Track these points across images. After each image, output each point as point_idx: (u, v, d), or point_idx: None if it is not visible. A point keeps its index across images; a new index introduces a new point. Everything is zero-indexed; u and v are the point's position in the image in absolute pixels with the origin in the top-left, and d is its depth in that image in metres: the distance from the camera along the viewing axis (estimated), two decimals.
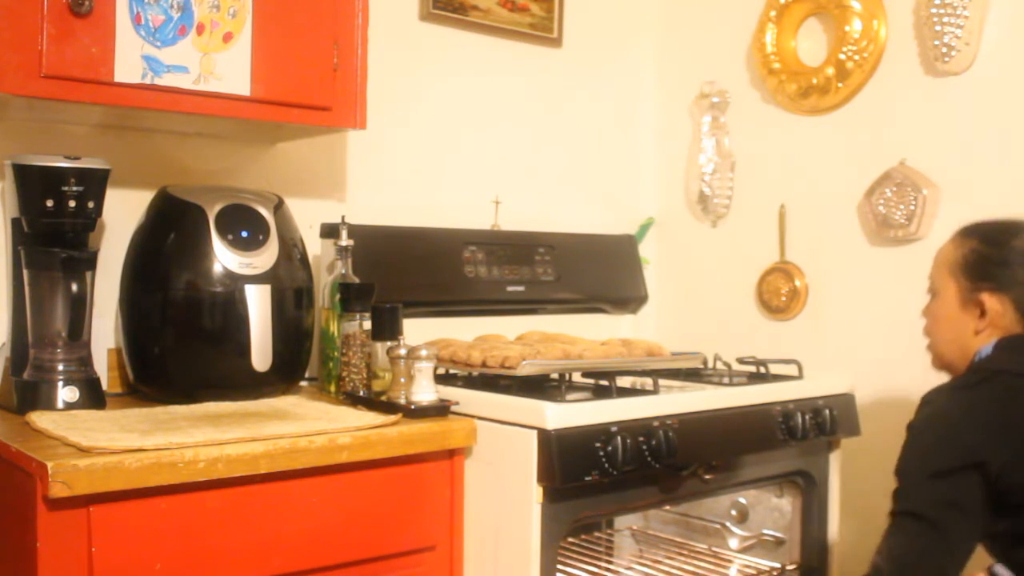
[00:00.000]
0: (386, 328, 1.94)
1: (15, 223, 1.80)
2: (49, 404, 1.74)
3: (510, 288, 2.50)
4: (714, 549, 2.31)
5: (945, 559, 1.52)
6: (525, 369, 1.84)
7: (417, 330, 2.14)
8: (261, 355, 1.88)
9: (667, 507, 2.29)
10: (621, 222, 2.89)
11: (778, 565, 2.18)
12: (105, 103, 1.74)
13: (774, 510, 2.23)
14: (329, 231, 2.17)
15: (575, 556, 2.24)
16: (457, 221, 2.49)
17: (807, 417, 2.07)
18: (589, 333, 2.38)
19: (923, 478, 1.56)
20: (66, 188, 1.74)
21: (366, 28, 2.02)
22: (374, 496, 1.69)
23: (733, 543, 2.30)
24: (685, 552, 2.31)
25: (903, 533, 1.55)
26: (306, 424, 1.66)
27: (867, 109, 2.47)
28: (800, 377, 2.19)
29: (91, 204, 1.77)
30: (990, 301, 1.63)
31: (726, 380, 2.13)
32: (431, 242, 2.39)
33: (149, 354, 1.89)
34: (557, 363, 1.91)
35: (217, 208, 1.89)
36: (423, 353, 1.81)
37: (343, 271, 2.04)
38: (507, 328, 2.38)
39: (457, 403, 1.85)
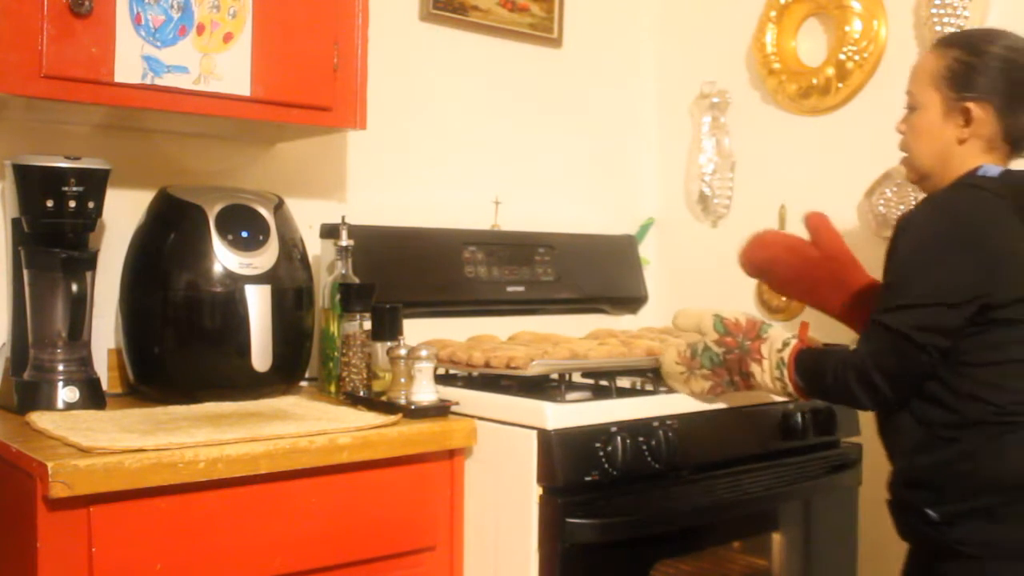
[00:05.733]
0: (386, 328, 1.94)
1: (15, 223, 1.80)
2: (49, 404, 1.74)
3: (510, 288, 2.50)
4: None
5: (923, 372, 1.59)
6: (535, 369, 1.84)
7: (417, 330, 2.14)
8: (261, 355, 1.88)
9: None
10: (621, 222, 2.89)
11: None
12: (105, 103, 1.74)
13: None
14: (329, 231, 2.17)
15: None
16: (457, 221, 2.49)
17: (807, 417, 2.07)
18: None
19: (930, 302, 1.56)
20: (66, 188, 1.74)
21: (366, 28, 2.02)
22: (374, 496, 1.69)
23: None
24: None
25: (890, 349, 1.58)
26: (306, 424, 1.66)
27: (867, 109, 2.47)
28: None
29: (91, 204, 1.77)
30: (975, 109, 1.64)
31: None
32: (431, 242, 2.39)
33: (149, 354, 1.89)
34: (567, 363, 1.91)
35: (217, 208, 1.89)
36: (423, 353, 1.81)
37: (343, 271, 2.04)
38: (508, 328, 2.38)
39: (457, 403, 1.85)
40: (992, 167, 1.66)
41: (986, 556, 1.56)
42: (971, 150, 1.66)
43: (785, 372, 1.70)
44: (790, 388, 1.72)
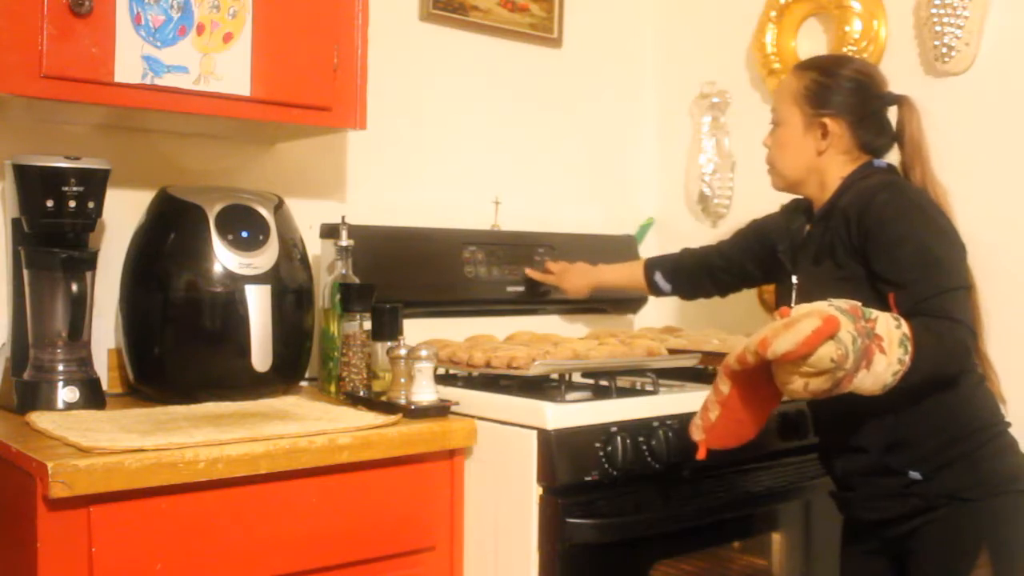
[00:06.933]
0: (386, 328, 1.94)
1: (15, 223, 1.80)
2: (49, 404, 1.74)
3: (510, 288, 2.50)
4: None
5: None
6: (537, 369, 1.84)
7: (417, 330, 2.14)
8: (261, 355, 1.88)
9: None
10: (621, 222, 2.89)
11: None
12: (105, 103, 1.74)
13: None
14: (329, 231, 2.17)
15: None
16: (457, 221, 2.49)
17: (807, 417, 2.06)
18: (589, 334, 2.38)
19: (956, 264, 1.68)
20: (66, 188, 1.74)
21: (366, 28, 2.02)
22: (374, 496, 1.69)
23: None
24: None
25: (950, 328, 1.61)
26: (306, 424, 1.66)
27: None
28: None
29: (91, 204, 1.77)
30: (831, 124, 1.81)
31: None
32: (431, 242, 2.39)
33: (149, 354, 1.89)
34: (568, 363, 1.91)
35: (217, 208, 1.89)
36: (423, 353, 1.81)
37: (343, 271, 2.04)
38: (508, 328, 2.38)
39: (457, 403, 1.85)
40: (881, 162, 1.84)
41: (970, 498, 1.66)
42: (832, 159, 1.83)
43: (909, 347, 1.54)
44: (906, 366, 1.55)
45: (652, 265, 2.37)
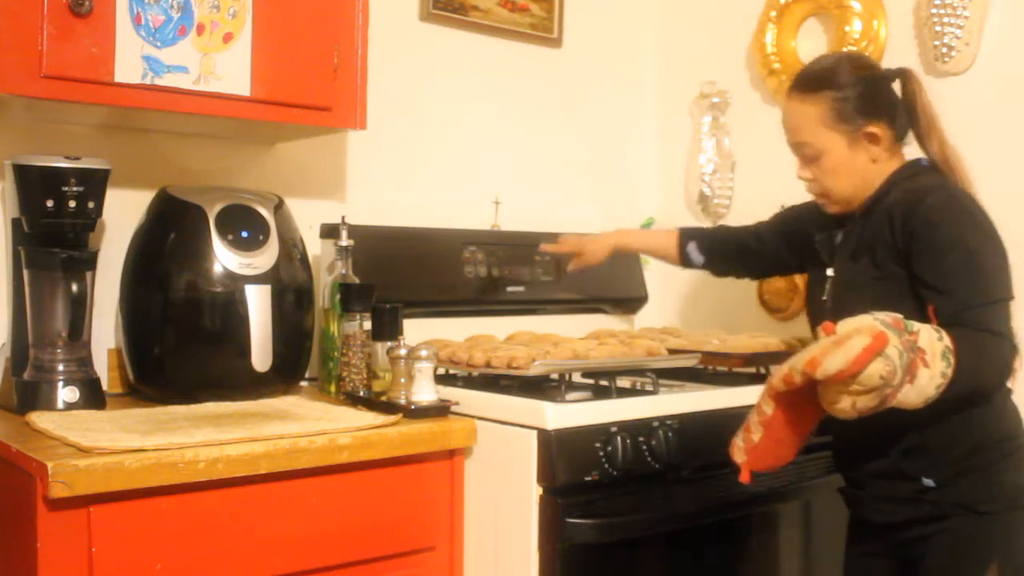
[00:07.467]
0: (386, 328, 1.94)
1: (15, 223, 1.80)
2: (49, 404, 1.74)
3: (510, 288, 2.50)
4: None
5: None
6: (537, 369, 1.84)
7: (417, 330, 2.14)
8: (261, 355, 1.88)
9: None
10: (621, 222, 2.88)
11: None
12: (105, 103, 1.74)
13: None
14: (329, 231, 2.17)
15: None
16: (457, 221, 2.49)
17: None
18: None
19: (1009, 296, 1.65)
20: (66, 188, 1.74)
21: (366, 28, 2.02)
22: (374, 496, 1.69)
23: None
24: None
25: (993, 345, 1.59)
26: (306, 424, 1.66)
27: None
28: None
29: (91, 204, 1.77)
30: (876, 129, 1.77)
31: (726, 380, 2.12)
32: (431, 242, 2.39)
33: (149, 354, 1.89)
34: (568, 363, 1.91)
35: (217, 208, 1.89)
36: (423, 353, 1.81)
37: (343, 271, 2.04)
38: (508, 328, 2.38)
39: (457, 403, 1.85)
40: (925, 159, 1.81)
41: (982, 511, 1.64)
42: (884, 162, 1.79)
43: (952, 360, 1.51)
44: (948, 379, 1.52)
45: (687, 236, 2.27)
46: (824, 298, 1.86)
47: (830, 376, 1.41)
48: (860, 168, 1.78)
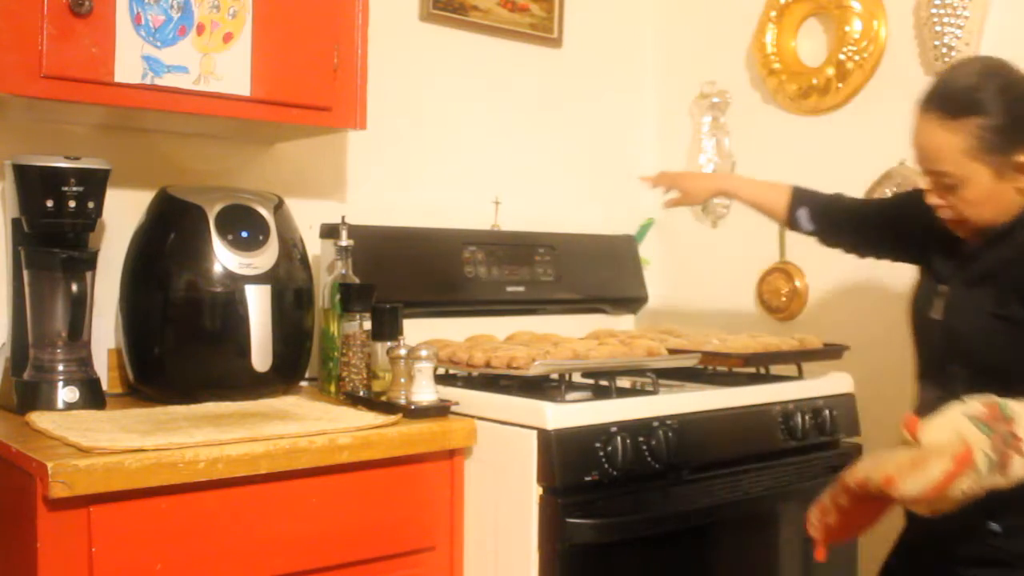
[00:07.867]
0: (386, 328, 1.94)
1: (15, 223, 1.80)
2: (49, 404, 1.74)
3: (510, 288, 2.50)
4: None
5: None
6: (537, 369, 1.84)
7: (417, 330, 2.14)
8: (261, 355, 1.88)
9: None
10: (621, 222, 2.89)
11: None
12: (105, 103, 1.74)
13: None
14: (329, 231, 2.17)
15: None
16: (457, 221, 2.49)
17: (807, 417, 2.07)
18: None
19: None
20: (66, 188, 1.74)
21: (366, 28, 2.02)
22: (374, 496, 1.69)
23: None
24: None
25: None
26: (306, 424, 1.66)
27: (867, 109, 2.47)
28: (800, 377, 2.19)
29: (91, 204, 1.77)
30: None
31: (726, 380, 2.12)
32: (431, 242, 2.39)
33: (149, 354, 1.89)
34: (568, 363, 1.91)
35: (217, 208, 1.89)
36: (423, 353, 1.81)
37: (343, 271, 2.04)
38: (508, 328, 2.38)
39: (457, 403, 1.85)
40: None
41: None
42: None
43: None
44: None
45: (800, 198, 2.09)
46: (934, 316, 1.73)
47: (907, 500, 1.34)
48: (1006, 198, 1.61)
